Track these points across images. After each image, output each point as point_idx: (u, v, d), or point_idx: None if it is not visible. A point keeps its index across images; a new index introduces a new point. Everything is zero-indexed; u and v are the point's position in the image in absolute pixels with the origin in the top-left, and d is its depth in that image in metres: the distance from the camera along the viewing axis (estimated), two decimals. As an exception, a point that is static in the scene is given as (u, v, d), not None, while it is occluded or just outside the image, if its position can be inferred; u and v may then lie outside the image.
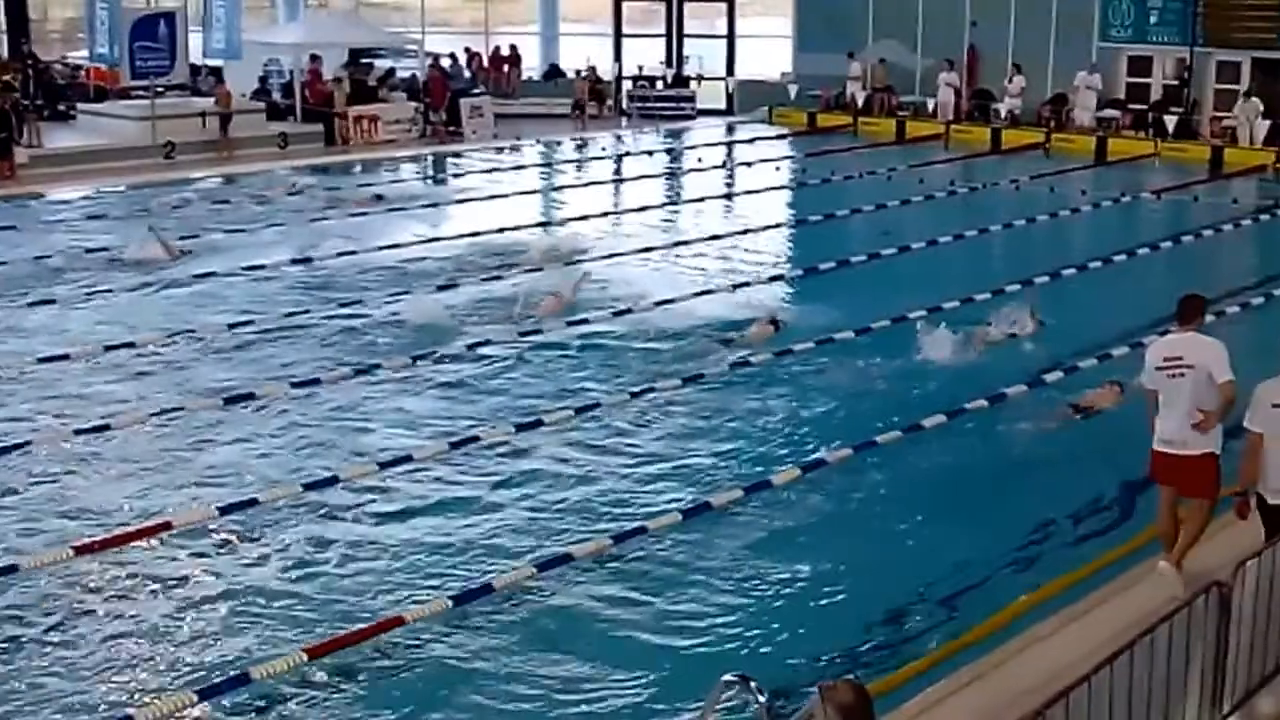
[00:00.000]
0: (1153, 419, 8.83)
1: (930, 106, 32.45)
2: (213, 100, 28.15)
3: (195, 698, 7.74)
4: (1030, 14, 31.38)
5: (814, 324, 15.52)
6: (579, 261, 18.75)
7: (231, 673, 8.01)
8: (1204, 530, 8.84)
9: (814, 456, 11.61)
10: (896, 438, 11.98)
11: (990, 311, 15.61)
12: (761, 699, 6.02)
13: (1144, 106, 30.43)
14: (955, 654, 8.26)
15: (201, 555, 9.73)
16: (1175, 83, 30.42)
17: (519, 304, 16.07)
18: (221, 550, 9.83)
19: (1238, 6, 28.86)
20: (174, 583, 9.30)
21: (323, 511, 10.47)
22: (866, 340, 15.11)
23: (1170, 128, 29.32)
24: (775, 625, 8.80)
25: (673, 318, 16.05)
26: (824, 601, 9.15)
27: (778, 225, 22.77)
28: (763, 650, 8.48)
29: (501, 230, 20.95)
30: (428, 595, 9.05)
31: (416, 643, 8.52)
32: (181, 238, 19.77)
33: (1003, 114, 31.46)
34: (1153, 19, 30.35)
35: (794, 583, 9.39)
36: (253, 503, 10.47)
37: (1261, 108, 28.25)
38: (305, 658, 8.16)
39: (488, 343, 14.87)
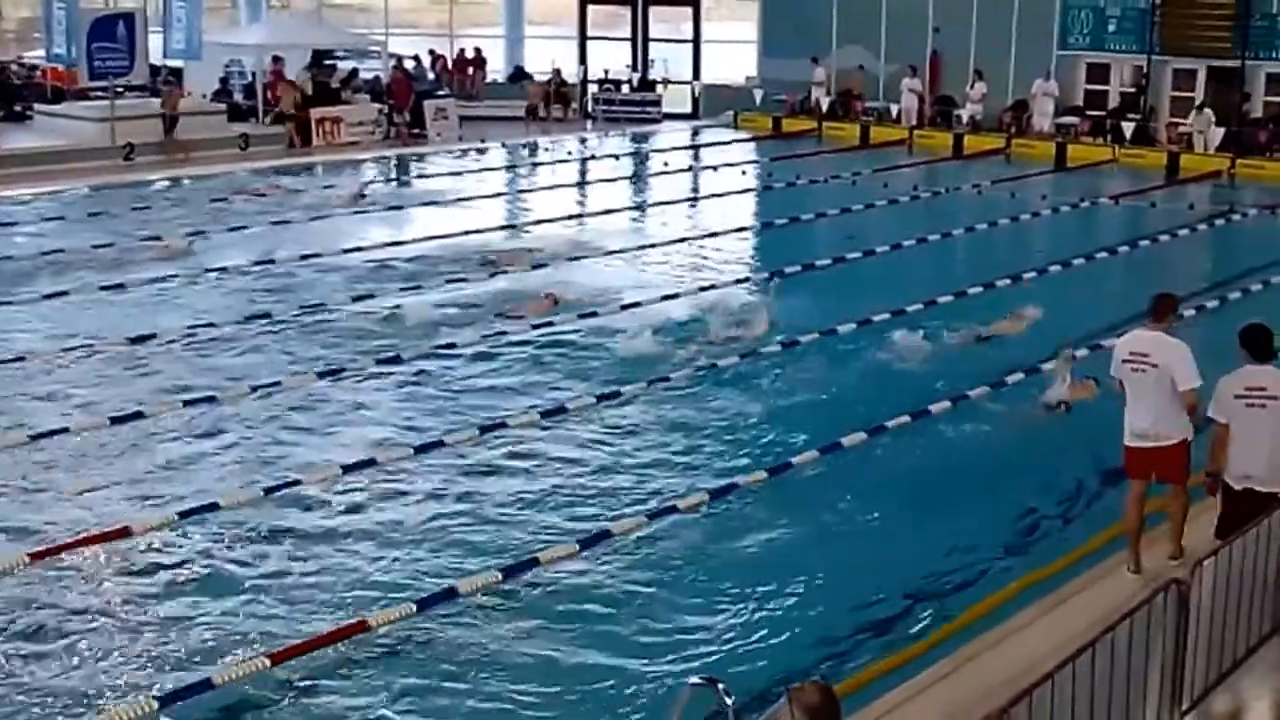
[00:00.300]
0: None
1: (894, 112, 32.65)
2: (159, 102, 27.81)
3: (155, 705, 7.67)
4: (991, 21, 31.63)
5: (781, 327, 15.61)
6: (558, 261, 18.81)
7: (193, 679, 7.95)
8: (1187, 511, 9.13)
9: (781, 459, 11.65)
10: (862, 440, 12.05)
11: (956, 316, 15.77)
12: (729, 702, 6.03)
13: (1102, 113, 30.74)
14: (923, 652, 8.33)
15: (161, 560, 9.65)
16: (1133, 90, 30.76)
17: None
18: (182, 555, 9.74)
19: (1193, 16, 29.19)
20: (133, 589, 9.22)
21: (285, 516, 10.40)
22: (832, 342, 15.20)
23: (1128, 134, 29.64)
24: (742, 627, 8.82)
25: (639, 319, 16.08)
26: (792, 602, 9.17)
27: (744, 229, 22.84)
28: (730, 653, 8.49)
29: (468, 233, 20.95)
30: (391, 600, 9.01)
31: (380, 648, 8.50)
32: (143, 240, 19.64)
33: (964, 120, 31.69)
34: (1111, 27, 30.69)
35: (761, 584, 9.41)
36: (213, 507, 10.38)
37: (1214, 119, 28.60)
38: (268, 663, 8.12)
39: (451, 345, 14.87)
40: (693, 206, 25.46)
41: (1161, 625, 6.64)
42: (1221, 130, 28.53)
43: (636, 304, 16.77)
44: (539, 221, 22.52)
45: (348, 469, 11.27)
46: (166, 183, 25.29)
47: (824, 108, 33.61)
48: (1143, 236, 21.77)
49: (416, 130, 30.91)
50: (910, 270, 19.30)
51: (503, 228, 22.22)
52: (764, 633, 8.78)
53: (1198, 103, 29.15)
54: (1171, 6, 29.42)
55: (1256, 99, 29.21)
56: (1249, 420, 8.45)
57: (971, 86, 31.63)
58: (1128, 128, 29.68)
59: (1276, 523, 7.57)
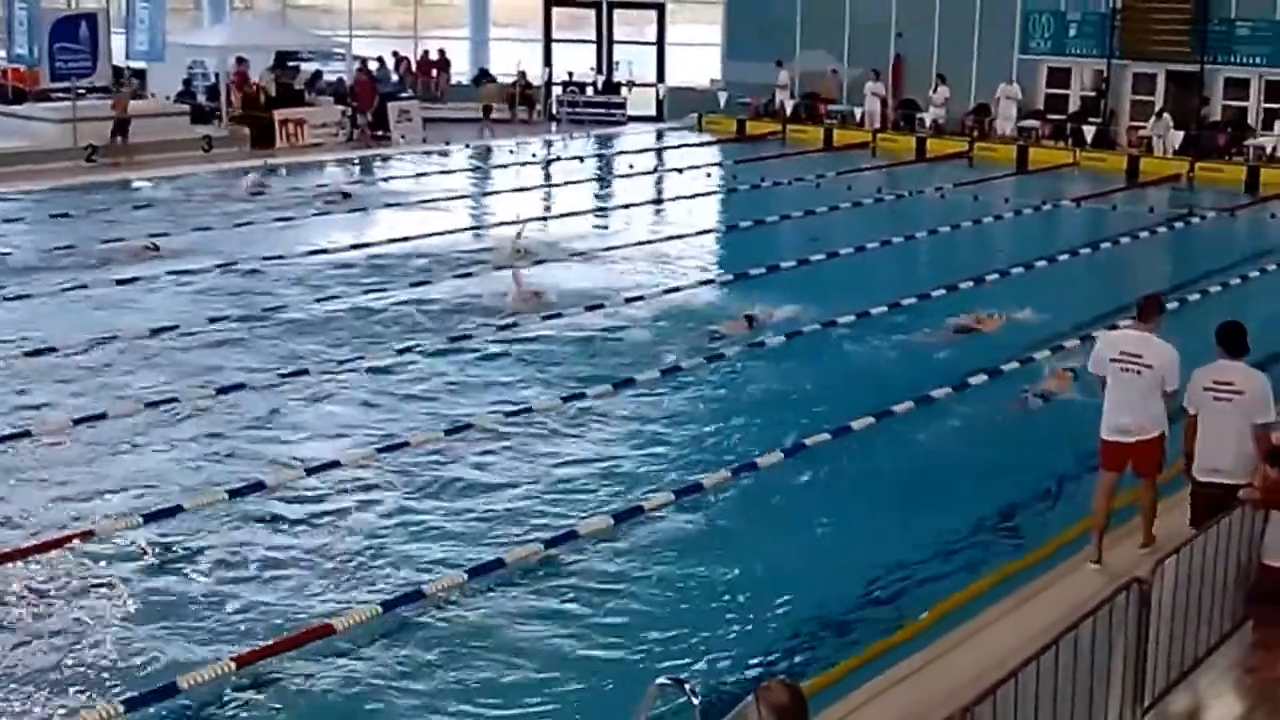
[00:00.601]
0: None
1: (858, 115, 32.82)
2: (109, 104, 27.39)
3: (121, 709, 7.64)
4: (954, 26, 31.84)
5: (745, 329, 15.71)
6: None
7: (159, 683, 7.92)
8: (1156, 502, 9.36)
9: (747, 459, 11.69)
10: (825, 440, 12.10)
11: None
12: (696, 702, 6.06)
13: (1063, 117, 30.98)
14: (889, 650, 8.37)
15: (126, 563, 9.61)
16: (1093, 94, 31.02)
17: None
18: (147, 558, 9.70)
19: (1153, 21, 29.47)
20: (98, 592, 9.19)
21: (249, 518, 10.37)
22: (798, 344, 15.27)
23: (1088, 138, 29.91)
24: (710, 627, 8.85)
25: (605, 320, 16.17)
26: (759, 602, 9.22)
27: (709, 231, 22.90)
28: (698, 653, 8.51)
29: (437, 234, 21.01)
30: (358, 602, 9.00)
31: (345, 650, 8.48)
32: (105, 242, 19.55)
33: (927, 123, 31.89)
34: (1071, 32, 30.94)
35: (728, 584, 9.47)
36: (178, 510, 10.34)
37: (1172, 124, 28.89)
38: (233, 666, 8.10)
39: (415, 347, 14.85)
40: (658, 208, 25.50)
41: (1123, 623, 6.71)
42: (1180, 134, 28.83)
43: (600, 305, 16.80)
44: (502, 223, 22.49)
45: (312, 470, 11.24)
46: (128, 184, 25.12)
47: (788, 111, 33.74)
48: (1104, 239, 21.97)
49: (380, 132, 30.82)
50: (874, 272, 19.40)
51: (468, 229, 22.18)
52: (731, 632, 8.81)
53: (1157, 108, 29.44)
54: (1131, 11, 29.69)
55: (1215, 103, 29.52)
56: (1215, 413, 8.61)
57: (934, 90, 31.82)
58: (1088, 131, 29.92)
59: (1237, 522, 7.67)
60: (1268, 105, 28.82)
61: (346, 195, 24.11)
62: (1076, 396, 12.61)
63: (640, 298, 17.31)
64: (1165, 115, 29.01)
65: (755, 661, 8.40)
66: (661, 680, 6.45)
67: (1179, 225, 23.64)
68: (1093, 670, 6.47)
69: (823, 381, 14.09)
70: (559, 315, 16.24)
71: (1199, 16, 28.86)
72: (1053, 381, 13.48)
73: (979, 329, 15.63)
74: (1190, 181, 27.80)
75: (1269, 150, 27.87)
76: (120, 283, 17.43)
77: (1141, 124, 29.83)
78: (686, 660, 8.34)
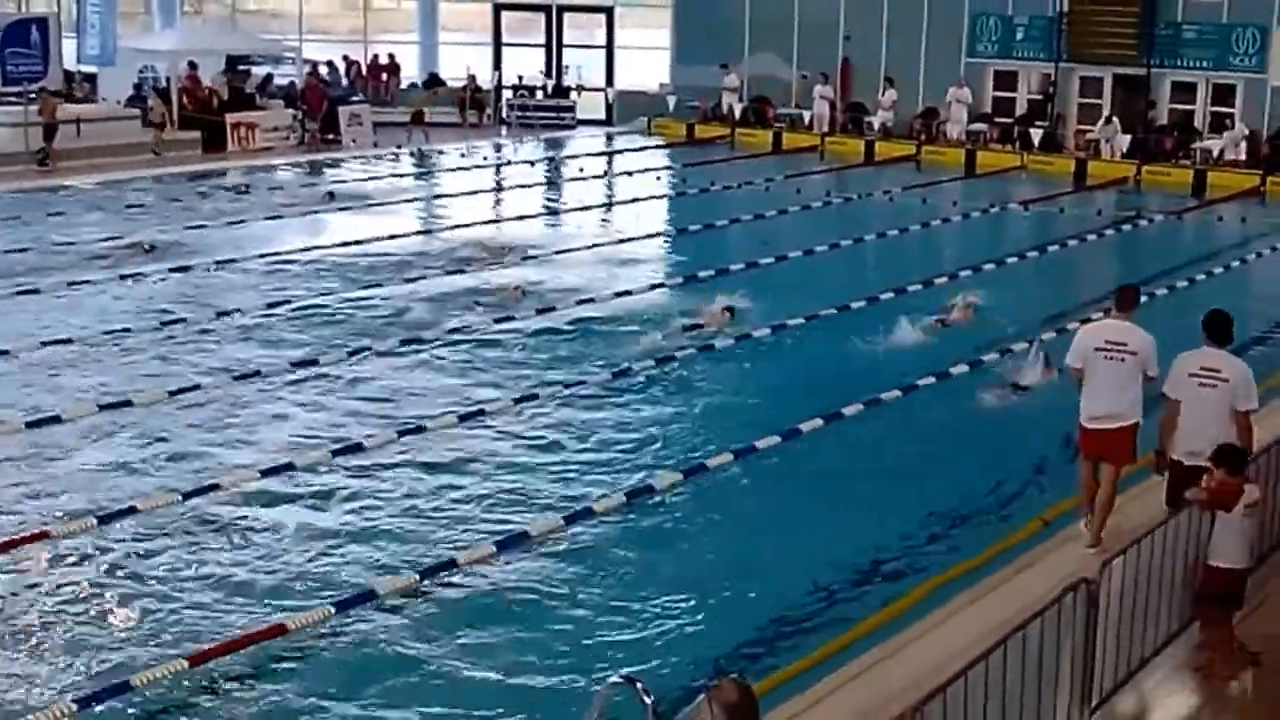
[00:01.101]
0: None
1: (806, 119, 32.97)
2: (36, 110, 26.98)
3: (74, 708, 7.61)
4: (902, 29, 32.09)
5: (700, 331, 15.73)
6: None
7: (111, 682, 7.90)
8: (1114, 495, 9.53)
9: (695, 460, 11.74)
10: (775, 442, 12.13)
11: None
12: (648, 700, 6.06)
13: (1010, 120, 31.27)
14: (841, 650, 8.42)
15: (80, 565, 9.58)
16: (1040, 97, 31.34)
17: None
18: (100, 559, 9.67)
19: (1099, 25, 29.78)
20: (52, 592, 9.15)
21: (203, 519, 10.33)
22: (744, 347, 15.31)
23: (1036, 141, 30.19)
24: (662, 627, 8.88)
25: (556, 321, 16.21)
26: (711, 601, 9.26)
27: (658, 234, 22.92)
28: (650, 652, 8.53)
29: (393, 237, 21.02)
30: (310, 602, 8.99)
31: (298, 650, 8.46)
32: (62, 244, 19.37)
33: (875, 126, 32.09)
34: (1018, 35, 31.24)
35: (681, 583, 9.49)
36: (131, 511, 10.31)
37: (1120, 128, 29.23)
38: (186, 665, 8.08)
39: (368, 349, 14.81)
40: (608, 212, 25.50)
41: (1071, 624, 6.78)
42: (1128, 137, 29.17)
43: (552, 308, 16.80)
44: (455, 226, 22.45)
45: (266, 472, 11.21)
46: (83, 187, 24.94)
47: (736, 114, 33.84)
48: (1052, 242, 22.14)
49: (331, 136, 30.75)
50: (824, 275, 19.46)
51: (419, 233, 22.11)
52: (683, 631, 8.83)
53: (1105, 112, 29.76)
54: (1078, 15, 30.00)
55: (1162, 106, 29.89)
56: (1199, 399, 8.83)
57: (883, 94, 32.05)
58: (1036, 135, 30.23)
59: (1183, 523, 7.76)
60: (1214, 109, 29.22)
61: (332, 195, 24.36)
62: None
63: (591, 299, 17.31)
64: (1114, 120, 29.33)
65: (707, 660, 8.42)
66: (614, 679, 6.45)
67: (1127, 228, 23.90)
68: (1041, 670, 6.54)
69: (771, 383, 14.21)
70: (509, 318, 16.23)
71: (1146, 20, 29.21)
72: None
73: (957, 320, 16.16)
74: (1137, 184, 28.13)
75: (1216, 153, 28.24)
76: (74, 284, 17.28)
77: (1089, 127, 30.16)
78: (639, 659, 8.34)
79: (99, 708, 7.67)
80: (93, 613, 8.90)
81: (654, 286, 18.59)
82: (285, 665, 8.32)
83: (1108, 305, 16.54)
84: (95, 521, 10.10)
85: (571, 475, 11.51)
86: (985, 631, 7.17)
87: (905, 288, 18.05)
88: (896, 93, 31.80)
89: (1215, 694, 7.73)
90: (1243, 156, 27.91)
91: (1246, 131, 27.98)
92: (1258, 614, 8.33)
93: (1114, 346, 9.32)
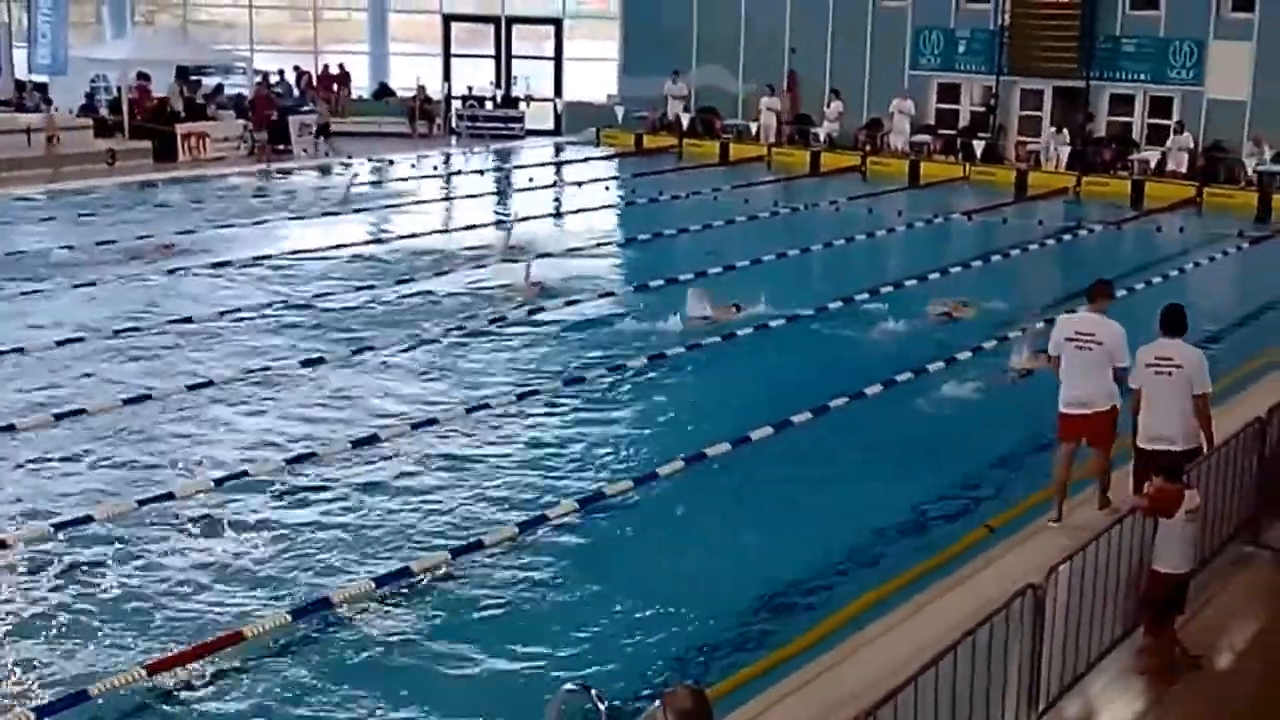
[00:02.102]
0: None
1: (753, 130, 33.21)
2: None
3: (32, 716, 7.59)
4: (846, 42, 32.45)
5: (647, 343, 15.84)
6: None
7: (69, 691, 7.89)
8: (1109, 469, 10.25)
9: (646, 469, 11.81)
10: (726, 450, 12.23)
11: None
12: (602, 707, 6.12)
13: (953, 132, 31.66)
14: (793, 655, 8.49)
15: (37, 572, 9.56)
16: (982, 109, 31.75)
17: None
18: (57, 567, 9.64)
19: (1039, 38, 30.23)
20: (7, 602, 9.13)
21: (160, 527, 10.34)
22: (695, 356, 15.42)
23: (978, 152, 30.59)
24: (616, 633, 8.94)
25: (510, 329, 16.32)
26: (664, 608, 9.30)
27: (608, 244, 22.98)
28: (604, 659, 8.58)
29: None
30: (267, 610, 9.01)
31: (254, 658, 8.47)
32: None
33: (821, 138, 32.36)
34: (960, 49, 31.66)
35: (633, 590, 9.56)
36: (88, 520, 10.30)
37: (1067, 138, 29.68)
38: (144, 674, 8.08)
39: (321, 359, 14.78)
40: (558, 220, 25.54)
41: (1019, 629, 6.88)
42: (1068, 148, 29.62)
43: (503, 318, 16.85)
44: (406, 236, 22.45)
45: (220, 481, 11.22)
46: (36, 196, 24.89)
47: (684, 123, 34.01)
48: (995, 251, 22.41)
49: (282, 146, 30.68)
50: (773, 284, 19.55)
51: (371, 241, 22.10)
52: (636, 638, 8.89)
53: (1054, 123, 30.16)
54: (1018, 28, 30.44)
55: (1101, 118, 30.38)
56: (1157, 386, 9.44)
57: (828, 105, 32.35)
58: (978, 146, 30.62)
59: (1128, 530, 7.91)
60: (1151, 121, 29.72)
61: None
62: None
63: (541, 309, 17.38)
64: (1064, 130, 29.76)
65: (661, 667, 8.49)
66: (568, 687, 6.51)
67: (1068, 238, 24.24)
68: (989, 674, 6.63)
69: (723, 390, 14.39)
70: (459, 328, 16.23)
71: (1085, 34, 29.68)
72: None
73: (957, 316, 17.07)
74: (1077, 195, 28.54)
75: (1153, 164, 28.73)
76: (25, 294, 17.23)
77: (1030, 139, 30.60)
78: (593, 666, 8.40)
79: (57, 716, 7.65)
80: (50, 620, 8.89)
81: (603, 296, 18.64)
82: (241, 672, 8.32)
83: (1052, 315, 17.20)
84: (51, 529, 10.06)
85: (522, 484, 11.55)
86: (934, 637, 7.28)
87: (852, 296, 18.23)
88: (842, 104, 32.10)
89: (1158, 697, 7.87)
90: (1184, 169, 28.40)
91: (1192, 143, 28.49)
92: (1199, 618, 8.51)
93: (1083, 337, 9.95)
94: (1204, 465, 8.82)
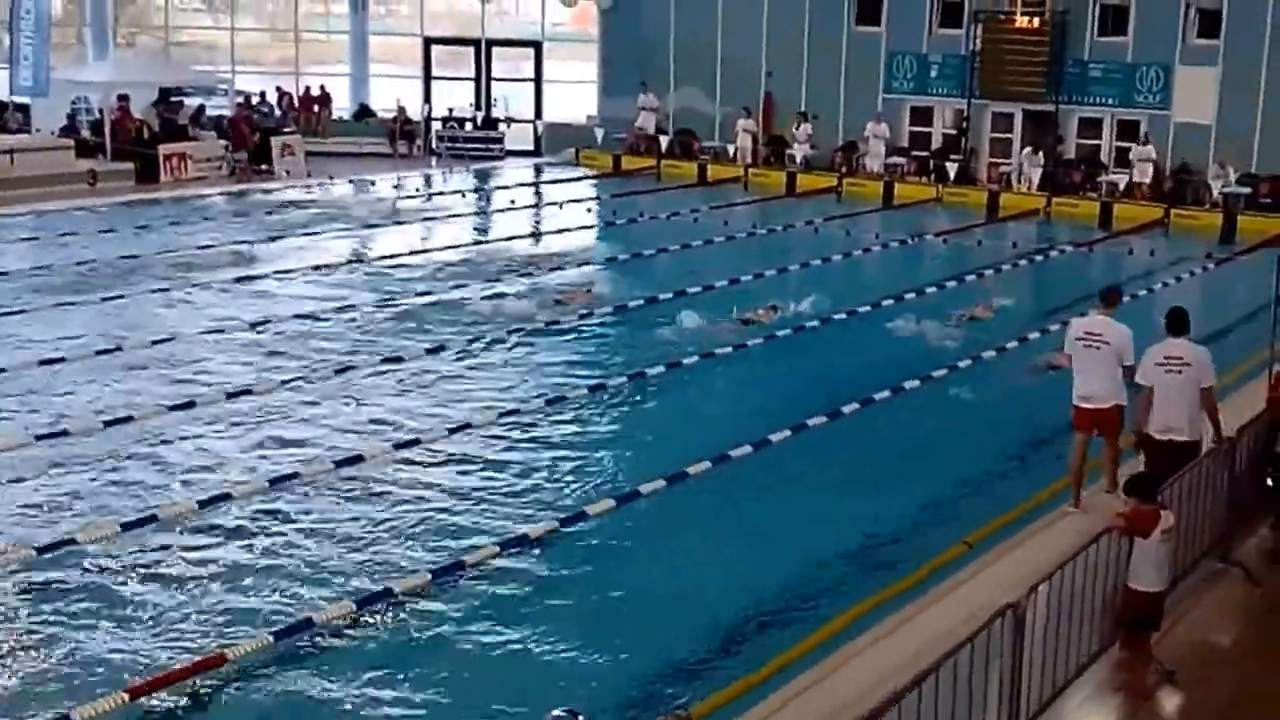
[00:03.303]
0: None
1: (730, 151, 33.49)
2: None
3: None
4: (822, 66, 32.76)
5: (626, 359, 16.05)
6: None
7: (51, 714, 7.90)
8: (1118, 456, 11.15)
9: (627, 487, 11.88)
10: (706, 468, 12.31)
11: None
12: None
13: (926, 154, 32.00)
14: (773, 675, 8.55)
15: (18, 596, 9.56)
16: (954, 132, 32.11)
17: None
18: (40, 591, 9.66)
19: (1010, 63, 30.59)
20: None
21: (141, 550, 10.36)
22: (674, 375, 15.59)
23: (951, 174, 30.94)
24: (602, 656, 8.99)
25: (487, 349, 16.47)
26: (647, 629, 9.39)
27: (589, 264, 23.12)
28: (590, 682, 8.64)
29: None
30: (249, 632, 9.05)
31: (238, 679, 8.52)
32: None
33: (798, 159, 32.65)
34: (933, 73, 32.03)
35: (617, 612, 9.69)
36: (70, 542, 10.30)
37: (1041, 159, 30.05)
38: (126, 698, 8.10)
39: (300, 380, 14.89)
40: (536, 241, 25.70)
41: (999, 648, 7.00)
42: (1040, 169, 30.01)
43: (479, 338, 17.01)
44: (384, 257, 22.55)
45: (203, 504, 11.24)
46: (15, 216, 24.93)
47: (653, 132, 34.22)
48: (969, 271, 22.61)
49: (264, 167, 30.77)
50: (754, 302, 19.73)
51: (348, 262, 22.19)
52: (621, 661, 8.95)
53: (1028, 145, 30.45)
54: (989, 54, 30.82)
55: (1070, 141, 30.77)
56: (1167, 383, 10.18)
57: (796, 128, 32.66)
58: (951, 168, 30.97)
59: (1105, 549, 8.09)
60: (1119, 143, 30.11)
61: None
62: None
63: (520, 329, 17.52)
64: (1039, 152, 30.10)
65: (646, 689, 8.55)
66: (556, 712, 6.58)
67: (1039, 259, 24.52)
68: (970, 693, 6.71)
69: (703, 410, 14.58)
70: (440, 348, 16.39)
71: (1054, 59, 30.06)
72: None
73: (980, 318, 18.26)
74: (1048, 216, 28.89)
75: (1121, 186, 29.13)
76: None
77: (1002, 160, 30.98)
78: (579, 690, 8.43)
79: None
80: (32, 644, 8.91)
81: (583, 316, 18.73)
82: (223, 694, 8.37)
83: (1024, 335, 17.49)
84: (35, 552, 10.07)
85: (501, 501, 11.65)
86: (916, 653, 7.41)
87: (830, 316, 18.42)
88: (811, 126, 32.41)
89: (1134, 712, 8.00)
90: (1149, 178, 28.80)
91: (1155, 154, 28.90)
92: (1173, 633, 8.66)
93: (1092, 337, 10.81)
94: (1176, 485, 8.98)
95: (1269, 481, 10.32)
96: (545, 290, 19.98)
